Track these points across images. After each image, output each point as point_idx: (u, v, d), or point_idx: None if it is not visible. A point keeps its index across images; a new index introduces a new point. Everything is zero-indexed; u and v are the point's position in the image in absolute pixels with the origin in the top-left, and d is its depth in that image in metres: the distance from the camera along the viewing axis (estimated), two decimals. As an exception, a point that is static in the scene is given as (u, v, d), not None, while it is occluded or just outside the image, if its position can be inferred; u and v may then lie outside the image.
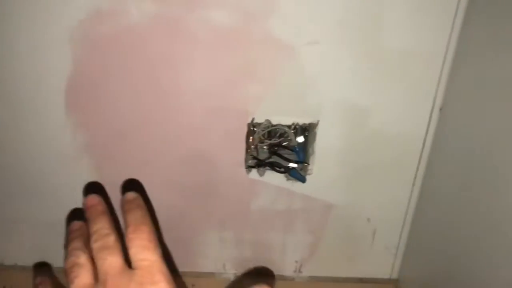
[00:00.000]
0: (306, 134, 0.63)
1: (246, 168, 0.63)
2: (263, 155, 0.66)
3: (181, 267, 0.71)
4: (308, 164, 0.62)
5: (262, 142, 0.65)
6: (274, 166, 0.61)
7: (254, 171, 0.64)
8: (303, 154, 0.64)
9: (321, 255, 0.71)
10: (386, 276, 0.73)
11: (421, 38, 0.54)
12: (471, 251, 0.51)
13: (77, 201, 0.62)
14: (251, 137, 0.62)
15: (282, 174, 0.63)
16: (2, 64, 0.56)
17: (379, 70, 0.56)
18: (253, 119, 0.60)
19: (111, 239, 0.33)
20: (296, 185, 0.64)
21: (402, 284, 0.72)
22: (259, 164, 0.62)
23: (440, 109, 0.59)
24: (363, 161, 0.63)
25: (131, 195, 0.38)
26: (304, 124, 0.61)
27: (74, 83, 0.57)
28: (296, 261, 0.71)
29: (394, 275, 0.73)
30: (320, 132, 0.60)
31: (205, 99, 0.58)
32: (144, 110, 0.59)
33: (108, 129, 0.60)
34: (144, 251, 0.32)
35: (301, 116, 0.60)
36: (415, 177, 0.64)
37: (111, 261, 0.32)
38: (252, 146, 0.64)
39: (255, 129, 0.63)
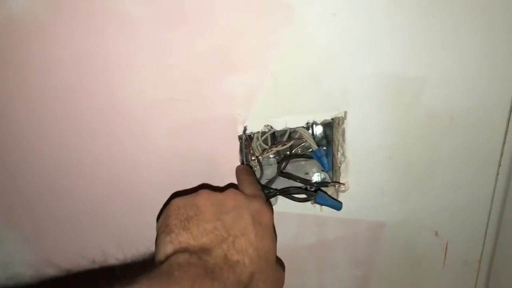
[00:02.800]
0: (330, 133, 0.43)
1: (249, 198, 0.43)
2: (270, 170, 0.46)
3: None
4: (340, 183, 0.41)
5: (266, 151, 0.45)
6: (290, 193, 0.40)
7: (261, 199, 0.43)
8: (328, 161, 0.43)
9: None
10: (467, 296, 0.53)
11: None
12: None
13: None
14: (247, 153, 0.42)
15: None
16: None
17: (433, 22, 0.35)
18: (245, 128, 0.39)
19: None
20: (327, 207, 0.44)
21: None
22: (268, 194, 0.41)
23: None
24: (419, 157, 0.42)
25: (242, 165, 0.42)
26: (325, 120, 0.40)
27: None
28: (342, 301, 0.52)
29: (478, 294, 0.53)
30: (350, 128, 0.39)
31: (165, 112, 0.37)
32: (76, 148, 0.38)
33: (24, 185, 0.40)
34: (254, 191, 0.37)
35: (318, 110, 0.39)
36: (498, 165, 0.43)
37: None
38: (252, 160, 0.44)
39: (251, 136, 0.43)
